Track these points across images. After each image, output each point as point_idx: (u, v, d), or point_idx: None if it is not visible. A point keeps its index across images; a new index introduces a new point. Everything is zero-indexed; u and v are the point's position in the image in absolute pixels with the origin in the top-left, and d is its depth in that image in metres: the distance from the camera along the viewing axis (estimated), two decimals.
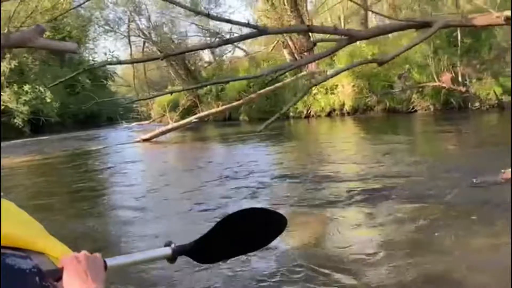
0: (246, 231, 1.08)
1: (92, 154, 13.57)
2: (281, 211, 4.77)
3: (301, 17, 18.12)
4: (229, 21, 5.28)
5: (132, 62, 10.76)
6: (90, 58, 33.75)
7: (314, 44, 5.75)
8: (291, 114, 18.57)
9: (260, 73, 5.47)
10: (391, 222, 4.35)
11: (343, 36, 5.43)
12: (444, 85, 12.42)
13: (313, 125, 16.51)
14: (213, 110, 15.60)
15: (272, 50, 23.89)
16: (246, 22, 4.85)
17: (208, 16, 4.57)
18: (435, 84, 12.62)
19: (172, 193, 6.88)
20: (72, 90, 30.81)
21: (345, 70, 6.19)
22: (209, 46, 5.34)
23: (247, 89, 18.99)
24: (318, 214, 5.00)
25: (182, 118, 17.10)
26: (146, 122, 25.85)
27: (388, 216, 4.54)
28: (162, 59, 6.76)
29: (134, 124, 26.10)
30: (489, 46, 12.95)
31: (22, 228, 0.83)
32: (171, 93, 8.68)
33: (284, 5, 17.65)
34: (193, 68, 25.54)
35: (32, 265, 0.70)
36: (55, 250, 0.83)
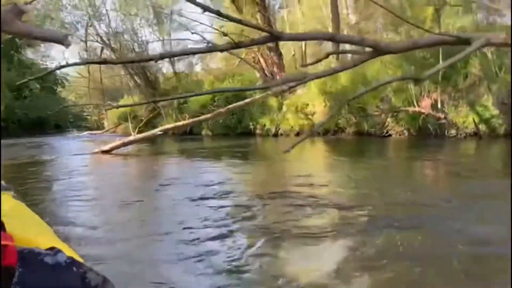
0: None
1: (45, 164, 12.26)
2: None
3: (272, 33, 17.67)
4: (240, 22, 4.62)
5: (112, 62, 9.74)
6: (41, 61, 32.00)
7: (327, 56, 5.14)
8: (258, 131, 18.04)
9: (266, 85, 4.81)
10: (380, 251, 3.94)
11: (367, 48, 4.86)
12: (423, 110, 12.25)
13: (281, 144, 15.94)
14: (180, 123, 14.68)
15: (236, 65, 23.35)
16: (259, 26, 4.19)
17: (219, 14, 3.87)
18: (414, 109, 12.42)
19: (141, 211, 6.17)
20: (19, 94, 28.98)
21: (378, 87, 5.63)
22: (214, 50, 4.67)
23: (211, 103, 18.36)
24: (296, 240, 4.47)
25: (142, 130, 16.15)
26: (99, 131, 24.72)
27: (375, 245, 4.12)
28: (156, 61, 6.00)
29: (86, 133, 24.82)
30: (465, 75, 12.92)
31: (37, 231, 0.75)
32: (154, 102, 7.81)
33: (257, 19, 17.14)
34: (152, 78, 24.58)
35: (66, 257, 0.65)
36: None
